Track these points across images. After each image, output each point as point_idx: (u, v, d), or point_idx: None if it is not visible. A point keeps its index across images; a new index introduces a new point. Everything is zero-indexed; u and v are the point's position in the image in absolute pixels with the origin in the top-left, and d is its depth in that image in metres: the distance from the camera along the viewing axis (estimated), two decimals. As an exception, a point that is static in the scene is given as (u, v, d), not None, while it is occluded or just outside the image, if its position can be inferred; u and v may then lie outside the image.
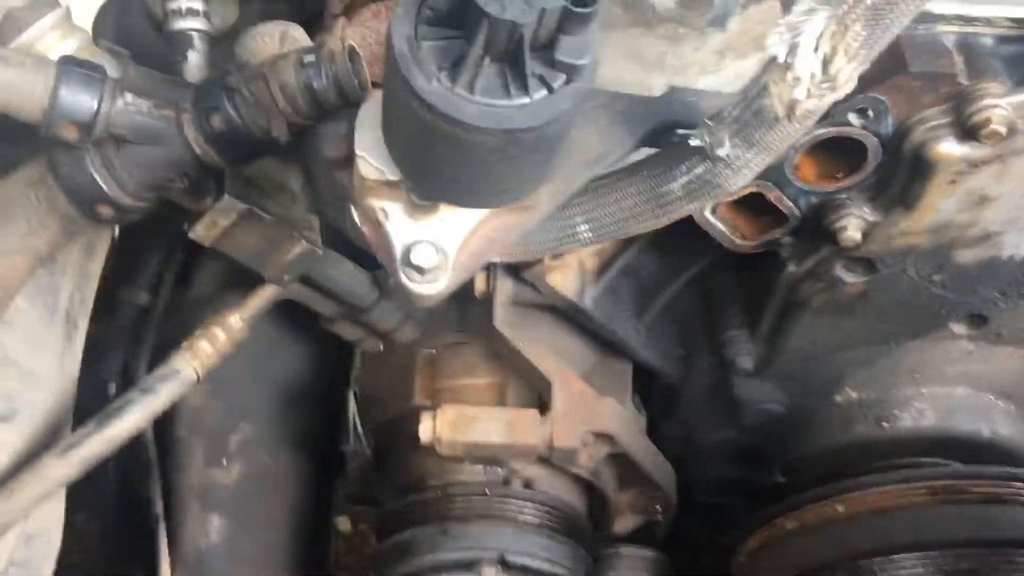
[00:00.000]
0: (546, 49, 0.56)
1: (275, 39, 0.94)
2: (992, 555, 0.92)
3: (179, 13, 1.09)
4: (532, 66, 0.56)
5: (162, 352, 1.15)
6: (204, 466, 1.13)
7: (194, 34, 1.09)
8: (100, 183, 0.84)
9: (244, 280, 1.10)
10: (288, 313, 1.15)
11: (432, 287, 0.68)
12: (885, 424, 1.08)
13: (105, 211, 0.86)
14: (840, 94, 0.67)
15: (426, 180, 0.65)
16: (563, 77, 0.57)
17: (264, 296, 1.08)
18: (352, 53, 0.83)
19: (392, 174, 0.68)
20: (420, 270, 0.68)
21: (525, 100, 0.56)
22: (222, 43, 1.14)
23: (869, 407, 1.09)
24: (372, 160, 0.68)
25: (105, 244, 1.14)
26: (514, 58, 0.56)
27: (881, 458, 1.07)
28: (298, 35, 0.94)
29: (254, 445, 1.16)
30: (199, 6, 1.10)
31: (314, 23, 1.23)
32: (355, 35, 0.96)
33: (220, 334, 1.04)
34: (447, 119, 0.56)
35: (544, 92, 0.57)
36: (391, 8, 1.00)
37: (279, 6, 1.46)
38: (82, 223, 0.88)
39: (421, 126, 0.58)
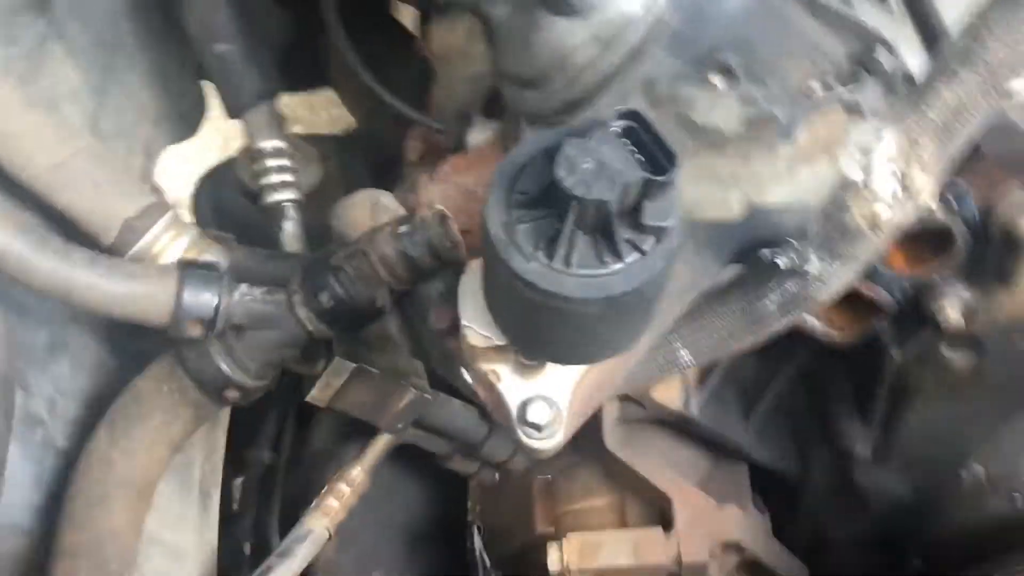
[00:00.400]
0: (633, 215, 0.60)
1: (367, 208, 1.00)
2: None
3: (272, 187, 1.17)
4: (622, 234, 0.59)
5: (290, 507, 1.20)
6: (345, 615, 1.17)
7: (287, 204, 1.17)
8: (225, 370, 0.90)
9: (360, 428, 1.14)
10: (403, 455, 1.18)
11: (550, 441, 0.71)
12: (1018, 497, 1.05)
13: (232, 394, 0.92)
14: (921, 204, 0.69)
15: (533, 346, 0.68)
16: (653, 239, 0.60)
17: (381, 445, 1.13)
18: (442, 217, 0.88)
19: (499, 339, 0.71)
20: (537, 426, 0.70)
21: (620, 266, 0.60)
22: (310, 202, 1.22)
23: (999, 482, 1.07)
24: (478, 329, 0.71)
25: (227, 414, 1.21)
26: (604, 229, 0.59)
27: (1020, 533, 1.04)
28: (388, 202, 1.00)
29: (389, 588, 1.19)
30: (290, 178, 1.17)
31: (390, 169, 1.31)
32: (438, 192, 1.02)
33: (345, 488, 1.09)
34: (548, 295, 0.60)
35: (637, 255, 0.60)
36: (468, 159, 1.06)
37: (359, 155, 1.55)
38: (212, 408, 0.94)
39: (524, 301, 0.62)
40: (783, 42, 0.84)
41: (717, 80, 0.83)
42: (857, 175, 0.69)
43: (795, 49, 0.84)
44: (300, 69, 1.66)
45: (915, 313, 0.95)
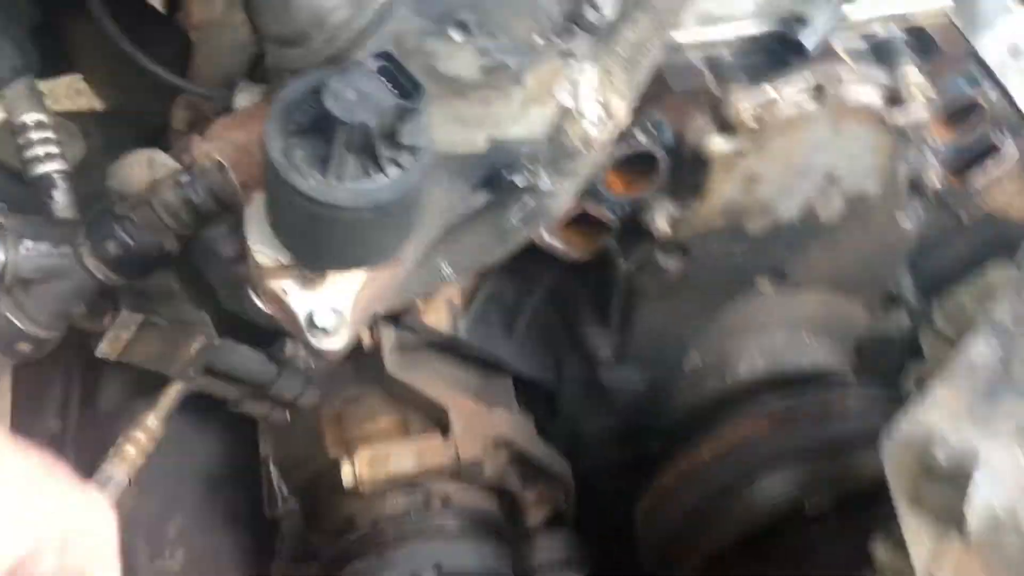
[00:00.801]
0: (392, 136, 0.73)
1: (143, 166, 1.06)
2: (825, 457, 1.14)
3: (37, 159, 1.19)
4: (383, 152, 0.72)
5: (83, 471, 1.23)
6: (149, 561, 1.22)
7: (55, 175, 1.19)
8: (17, 324, 0.94)
9: (150, 385, 1.20)
10: (196, 403, 1.25)
11: (337, 342, 0.82)
12: (728, 375, 1.28)
13: (25, 347, 0.97)
14: (620, 124, 0.86)
15: (315, 256, 0.80)
16: (409, 155, 0.73)
17: (173, 393, 1.19)
18: (220, 165, 0.97)
19: (284, 257, 0.82)
20: (324, 331, 0.82)
21: (383, 178, 0.72)
22: (75, 176, 1.25)
23: (712, 367, 1.29)
24: (265, 250, 0.82)
25: (6, 383, 1.22)
26: (368, 149, 0.72)
27: (730, 405, 1.27)
28: (163, 159, 1.07)
29: (191, 531, 1.26)
30: (55, 149, 1.20)
31: (155, 141, 1.35)
32: (214, 148, 1.10)
33: (141, 436, 1.15)
34: (325, 206, 0.71)
35: (397, 169, 0.73)
36: (237, 119, 1.14)
37: (122, 130, 1.57)
38: (3, 361, 0.98)
39: (305, 215, 0.73)
40: (510, 3, 0.99)
41: (456, 35, 0.97)
42: (569, 104, 0.85)
43: (520, 9, 0.99)
44: (43, 55, 1.64)
45: (634, 227, 1.14)
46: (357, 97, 0.70)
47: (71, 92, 2.30)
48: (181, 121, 1.33)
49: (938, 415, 0.83)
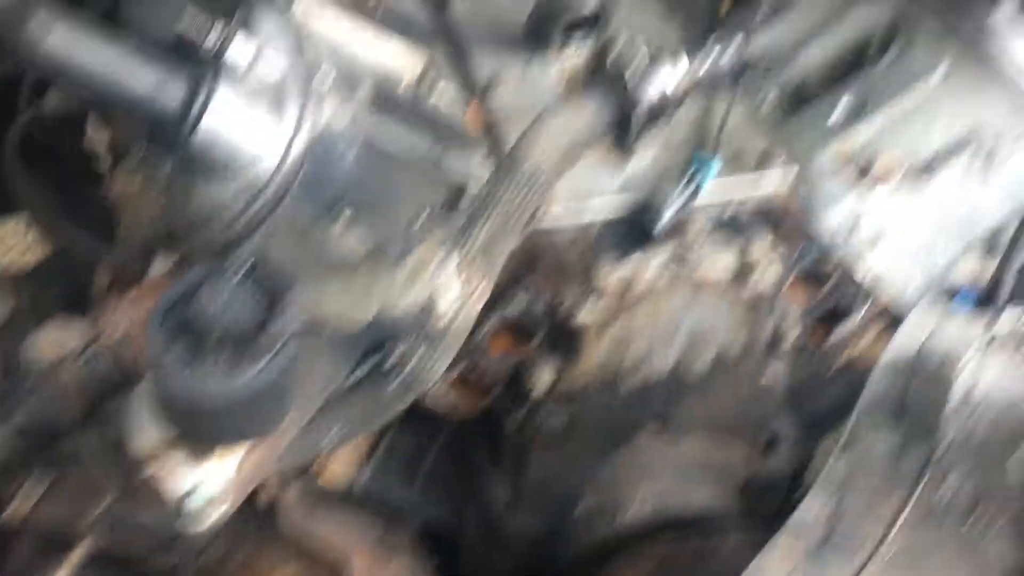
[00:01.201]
0: (260, 333, 0.81)
1: (56, 338, 1.14)
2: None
3: (-40, 326, 1.26)
4: (252, 350, 0.80)
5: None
6: None
7: (-24, 339, 1.26)
8: (-76, 500, 1.00)
9: (58, 542, 1.24)
10: (105, 559, 1.29)
11: (213, 515, 0.89)
12: (617, 520, 1.36)
13: (-70, 517, 1.02)
14: (479, 304, 0.96)
15: (196, 437, 0.87)
16: (276, 350, 0.82)
17: (80, 554, 1.24)
18: (124, 340, 1.05)
19: (168, 436, 0.89)
20: (202, 505, 0.89)
21: (253, 371, 0.81)
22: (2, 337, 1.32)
23: (603, 510, 1.37)
24: (149, 429, 0.89)
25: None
26: (238, 343, 0.80)
27: (622, 546, 1.34)
28: (73, 333, 1.14)
29: None
30: (-24, 313, 1.28)
31: (84, 294, 1.43)
32: (121, 319, 1.18)
33: (48, 596, 1.19)
34: (199, 399, 0.79)
35: (265, 362, 0.81)
36: (146, 290, 1.22)
37: (48, 291, 1.65)
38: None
39: (184, 405, 0.81)
40: (393, 189, 1.10)
41: (343, 220, 1.07)
42: (436, 285, 0.96)
43: (402, 195, 1.10)
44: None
45: (518, 385, 1.23)
46: (227, 301, 0.79)
47: (18, 233, 2.38)
48: (104, 280, 1.42)
49: (771, 570, 0.91)
